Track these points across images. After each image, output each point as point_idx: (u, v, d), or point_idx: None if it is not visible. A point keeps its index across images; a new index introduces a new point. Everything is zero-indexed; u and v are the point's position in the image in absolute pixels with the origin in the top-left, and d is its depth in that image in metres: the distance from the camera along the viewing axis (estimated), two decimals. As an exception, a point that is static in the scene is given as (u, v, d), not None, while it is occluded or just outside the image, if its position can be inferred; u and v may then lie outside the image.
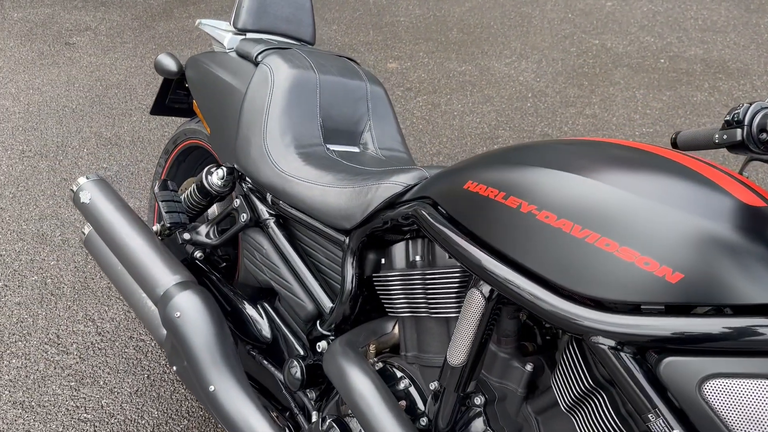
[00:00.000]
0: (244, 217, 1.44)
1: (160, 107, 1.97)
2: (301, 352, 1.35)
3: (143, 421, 1.78)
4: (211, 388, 1.33)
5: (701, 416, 0.73)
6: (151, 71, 3.78)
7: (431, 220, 1.01)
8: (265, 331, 1.43)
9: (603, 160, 0.87)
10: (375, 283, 1.22)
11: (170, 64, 1.79)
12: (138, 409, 1.82)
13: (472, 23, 4.46)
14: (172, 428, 1.77)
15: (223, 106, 1.50)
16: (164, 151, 1.96)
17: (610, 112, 3.34)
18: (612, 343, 0.79)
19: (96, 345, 2.02)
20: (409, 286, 1.14)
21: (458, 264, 1.06)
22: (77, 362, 1.95)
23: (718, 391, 0.72)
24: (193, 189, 1.52)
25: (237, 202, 1.46)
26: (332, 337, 1.30)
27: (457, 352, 0.98)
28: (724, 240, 0.75)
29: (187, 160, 1.95)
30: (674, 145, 1.19)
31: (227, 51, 1.64)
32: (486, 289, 0.94)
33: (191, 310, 1.38)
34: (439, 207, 1.03)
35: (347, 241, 1.24)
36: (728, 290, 0.73)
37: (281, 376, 1.39)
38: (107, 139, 3.10)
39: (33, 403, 1.81)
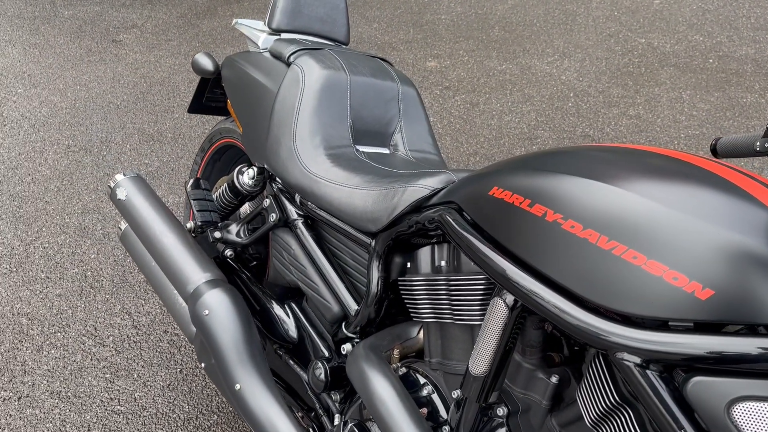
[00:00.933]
0: (273, 217, 1.44)
1: (197, 106, 1.99)
2: (326, 354, 1.35)
3: (174, 415, 1.81)
4: (237, 386, 1.34)
5: (731, 440, 0.69)
6: (193, 68, 3.84)
7: (455, 225, 0.99)
8: (292, 331, 1.44)
9: (633, 168, 0.84)
10: (400, 287, 1.21)
11: (207, 64, 1.81)
12: (170, 402, 1.85)
13: (515, 21, 4.39)
14: (201, 423, 1.79)
15: (255, 106, 1.51)
16: (200, 149, 1.98)
17: (655, 113, 3.24)
18: (638, 360, 0.76)
19: (131, 338, 2.06)
20: (434, 291, 1.12)
21: (482, 272, 1.04)
22: (113, 354, 2.00)
23: (749, 415, 0.68)
24: (225, 188, 1.53)
25: (267, 202, 1.47)
26: (357, 340, 1.29)
27: (480, 362, 0.96)
28: (758, 255, 0.71)
29: (222, 159, 1.97)
30: (713, 151, 1.14)
31: (261, 51, 1.65)
32: (509, 298, 0.92)
33: (220, 309, 1.39)
34: (464, 212, 1.01)
35: (373, 243, 1.23)
36: (762, 309, 0.69)
37: (306, 377, 1.39)
38: (150, 135, 3.16)
39: (69, 394, 1.86)
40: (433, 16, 4.53)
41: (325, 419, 1.37)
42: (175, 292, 1.60)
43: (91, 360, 1.98)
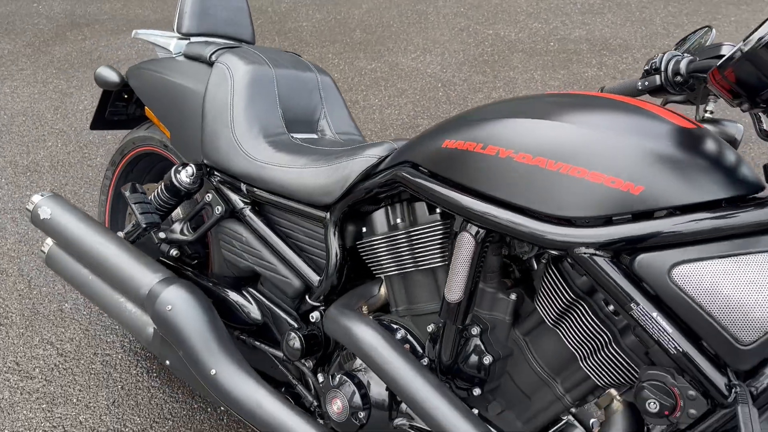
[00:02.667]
0: (218, 209, 1.51)
1: (100, 121, 1.98)
2: (296, 325, 1.44)
3: (126, 429, 1.79)
4: (212, 371, 1.40)
5: (674, 298, 0.90)
6: (56, 95, 3.68)
7: (416, 179, 1.14)
8: (254, 313, 1.51)
9: (561, 106, 1.04)
10: (360, 250, 1.33)
11: (111, 76, 1.82)
12: (119, 418, 1.82)
13: (373, 23, 4.63)
14: (157, 431, 1.79)
15: (181, 108, 1.56)
16: (111, 162, 1.97)
17: (515, 93, 3.60)
18: (593, 251, 0.95)
19: (60, 366, 1.99)
20: (395, 246, 1.26)
21: (438, 218, 1.19)
22: (44, 385, 1.93)
23: (684, 275, 0.89)
24: (161, 189, 1.57)
25: (209, 197, 1.53)
26: (323, 308, 1.40)
27: (455, 290, 1.11)
28: (671, 156, 0.93)
29: (134, 170, 1.97)
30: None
31: (174, 56, 1.70)
32: (474, 230, 1.08)
33: (181, 302, 1.44)
34: (419, 167, 1.16)
35: (328, 216, 1.34)
36: (678, 194, 0.91)
37: (277, 352, 1.47)
38: (25, 167, 3.01)
39: (6, 430, 1.78)
40: (294, 24, 4.66)
41: (300, 388, 1.45)
42: (121, 300, 1.60)
43: (21, 394, 1.90)
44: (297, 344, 1.37)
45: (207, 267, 1.70)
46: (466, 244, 1.09)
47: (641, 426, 1.06)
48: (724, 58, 0.88)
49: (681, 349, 0.90)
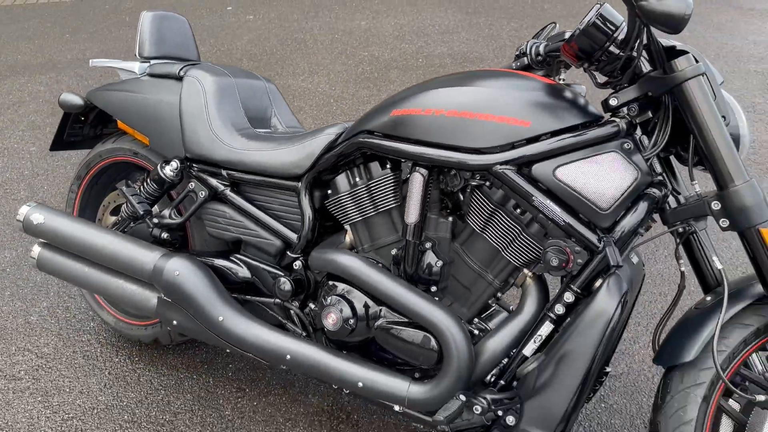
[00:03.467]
0: (202, 193, 1.85)
1: (60, 143, 2.24)
2: (282, 273, 1.81)
3: (123, 404, 2.05)
4: (220, 318, 1.74)
5: (559, 189, 1.40)
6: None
7: (375, 140, 1.58)
8: (243, 273, 1.86)
9: (472, 76, 1.53)
10: (328, 207, 1.74)
11: (75, 99, 2.10)
12: (114, 396, 2.07)
13: (258, 52, 5.03)
14: (152, 401, 2.06)
15: (159, 117, 1.89)
16: (76, 177, 2.22)
17: (397, 103, 4.15)
18: (505, 167, 1.43)
19: (44, 366, 2.20)
20: (357, 198, 1.68)
21: (389, 171, 1.63)
22: (33, 383, 2.12)
23: (563, 173, 1.40)
24: (148, 182, 1.88)
25: (192, 185, 1.87)
26: (302, 258, 1.79)
27: (412, 214, 1.56)
28: (545, 100, 1.43)
29: (98, 183, 2.24)
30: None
31: (139, 76, 2.02)
32: (422, 170, 1.53)
33: (186, 269, 1.77)
34: (374, 133, 1.60)
35: (301, 184, 1.74)
36: (552, 123, 1.42)
37: (268, 300, 1.83)
38: (-53, 207, 3.08)
39: (8, 425, 1.97)
40: (183, 58, 4.94)
41: (289, 325, 1.82)
42: (121, 282, 1.89)
43: (14, 393, 2.08)
44: (288, 286, 1.75)
45: (186, 246, 2.02)
46: (417, 180, 1.54)
47: (546, 294, 1.55)
48: (569, 35, 1.40)
49: (566, 221, 1.41)
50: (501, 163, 1.43)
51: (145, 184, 1.90)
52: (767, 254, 1.32)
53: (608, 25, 1.34)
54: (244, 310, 1.77)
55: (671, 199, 1.44)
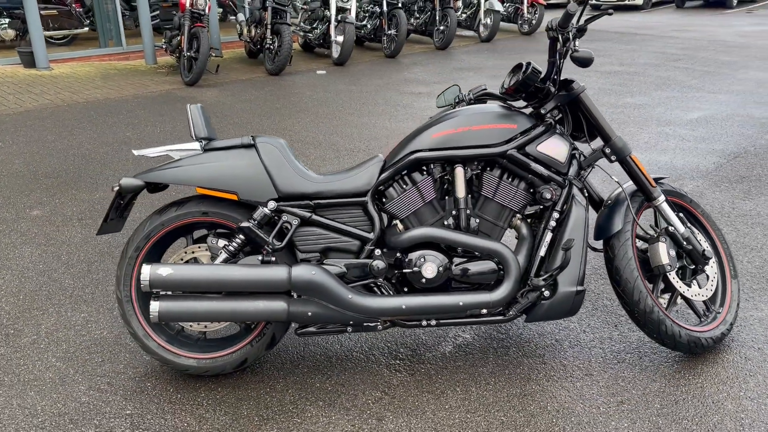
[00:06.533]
0: (295, 221, 2.52)
1: (104, 228, 2.61)
2: (368, 262, 2.56)
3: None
4: (350, 296, 2.44)
5: (542, 156, 2.59)
6: None
7: (427, 154, 2.54)
8: (337, 270, 2.55)
9: (474, 110, 2.63)
10: (388, 208, 2.60)
11: (136, 182, 2.53)
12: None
13: (61, 169, 5.13)
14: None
15: (244, 175, 2.48)
16: (135, 249, 2.58)
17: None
18: (513, 151, 2.56)
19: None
20: (409, 196, 2.59)
21: (428, 175, 2.60)
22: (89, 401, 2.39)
23: (541, 149, 2.60)
24: (254, 223, 2.47)
25: (285, 217, 2.52)
26: (377, 250, 2.59)
27: (461, 191, 2.55)
28: (515, 115, 2.63)
29: (155, 249, 2.63)
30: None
31: (201, 153, 2.57)
32: (463, 166, 2.56)
33: (315, 269, 2.43)
34: (421, 151, 2.56)
35: (368, 198, 2.58)
36: (524, 124, 2.61)
37: (362, 282, 2.56)
38: None
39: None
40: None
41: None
42: (249, 302, 2.42)
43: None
44: (382, 265, 2.54)
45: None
46: (459, 172, 2.56)
47: (535, 237, 2.69)
48: (511, 81, 2.62)
49: (547, 174, 2.58)
50: (511, 149, 2.56)
51: (253, 224, 2.47)
52: (639, 169, 2.70)
53: (535, 73, 2.59)
54: (360, 289, 2.50)
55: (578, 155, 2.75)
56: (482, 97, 2.87)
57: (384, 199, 2.62)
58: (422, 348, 2.88)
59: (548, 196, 2.58)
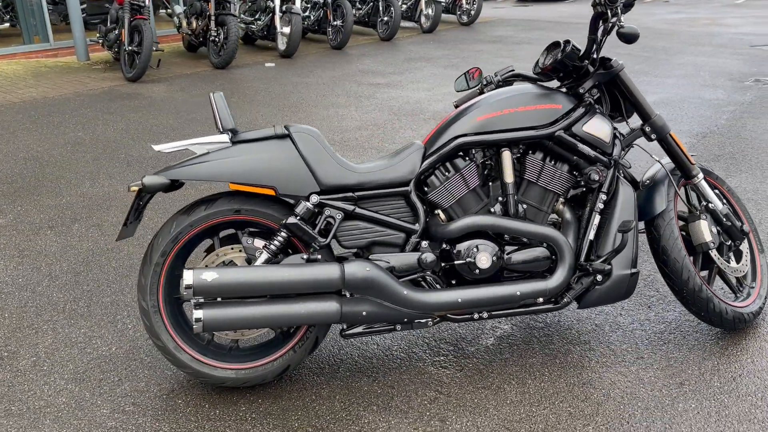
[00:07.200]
0: (339, 215, 2.33)
1: (124, 232, 2.34)
2: (417, 255, 2.40)
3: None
4: (405, 292, 2.28)
5: (588, 137, 2.51)
6: None
7: (472, 138, 2.41)
8: (386, 265, 2.39)
9: (518, 90, 2.52)
10: (431, 198, 2.45)
11: (160, 180, 2.27)
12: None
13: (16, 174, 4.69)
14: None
15: (282, 166, 2.27)
16: (161, 254, 2.32)
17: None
18: (560, 132, 2.46)
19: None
20: (454, 184, 2.46)
21: (471, 162, 2.47)
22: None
23: (587, 128, 2.52)
24: (298, 219, 2.26)
25: (328, 211, 2.33)
26: (423, 241, 2.44)
27: (509, 176, 2.43)
28: (559, 95, 2.54)
29: (183, 254, 2.38)
30: (457, 107, 2.88)
31: (230, 145, 2.34)
32: (510, 149, 2.44)
33: (368, 265, 2.26)
34: (466, 135, 2.43)
35: (410, 188, 2.42)
36: (567, 104, 2.53)
37: (412, 276, 2.40)
38: None
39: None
40: None
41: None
42: (300, 304, 2.22)
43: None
44: (432, 258, 2.39)
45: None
46: (507, 155, 2.44)
47: (580, 219, 2.61)
48: (548, 60, 2.53)
49: (594, 154, 2.51)
50: (557, 130, 2.47)
51: (299, 221, 2.27)
52: (678, 146, 2.67)
53: (575, 51, 2.51)
54: (410, 284, 2.35)
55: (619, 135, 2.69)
56: (509, 79, 2.77)
57: (426, 188, 2.48)
58: (463, 342, 2.76)
59: (596, 177, 2.50)
